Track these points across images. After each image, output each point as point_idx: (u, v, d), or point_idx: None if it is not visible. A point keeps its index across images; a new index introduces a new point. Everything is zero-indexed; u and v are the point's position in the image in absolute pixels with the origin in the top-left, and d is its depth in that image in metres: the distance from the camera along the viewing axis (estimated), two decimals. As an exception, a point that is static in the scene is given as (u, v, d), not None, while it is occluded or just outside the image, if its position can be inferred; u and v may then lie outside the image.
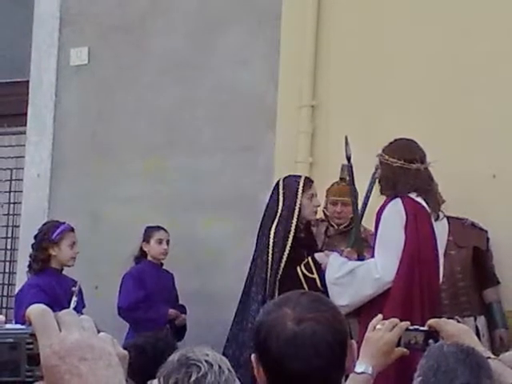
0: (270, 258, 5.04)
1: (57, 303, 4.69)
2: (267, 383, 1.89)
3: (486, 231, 5.51)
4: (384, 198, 4.64)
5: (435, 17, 5.83)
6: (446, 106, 5.73)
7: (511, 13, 5.65)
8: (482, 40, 5.69)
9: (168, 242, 5.96)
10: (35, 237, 5.37)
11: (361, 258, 4.92)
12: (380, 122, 5.75)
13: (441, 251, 4.65)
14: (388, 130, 5.14)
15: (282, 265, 5.02)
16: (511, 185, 5.50)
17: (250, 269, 5.19)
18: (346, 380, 1.88)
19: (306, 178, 5.36)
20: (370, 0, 6.08)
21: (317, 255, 5.06)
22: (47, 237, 5.29)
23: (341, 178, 5.55)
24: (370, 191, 5.06)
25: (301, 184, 5.16)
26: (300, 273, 5.02)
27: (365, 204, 5.11)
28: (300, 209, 5.11)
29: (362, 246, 5.06)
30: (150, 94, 6.74)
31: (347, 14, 6.11)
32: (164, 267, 6.00)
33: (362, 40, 6.03)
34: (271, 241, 5.06)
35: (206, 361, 2.53)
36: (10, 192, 7.27)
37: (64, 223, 5.41)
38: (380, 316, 2.55)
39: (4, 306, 7.16)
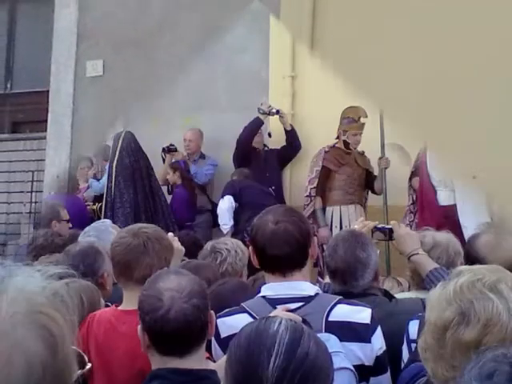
0: None
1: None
2: (258, 264, 2.49)
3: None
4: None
5: (426, 26, 5.81)
6: (431, 113, 5.71)
7: (494, 21, 5.63)
8: (465, 47, 5.67)
9: None
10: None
11: None
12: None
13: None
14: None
15: None
16: (490, 185, 5.47)
17: None
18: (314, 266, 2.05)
19: None
20: (361, 11, 6.08)
21: None
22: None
23: None
24: None
25: None
26: None
27: None
28: None
29: None
30: (158, 102, 6.76)
31: (340, 25, 6.14)
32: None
33: (353, 50, 6.03)
34: None
35: (227, 248, 3.49)
36: (31, 192, 7.28)
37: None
38: (361, 218, 3.53)
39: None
